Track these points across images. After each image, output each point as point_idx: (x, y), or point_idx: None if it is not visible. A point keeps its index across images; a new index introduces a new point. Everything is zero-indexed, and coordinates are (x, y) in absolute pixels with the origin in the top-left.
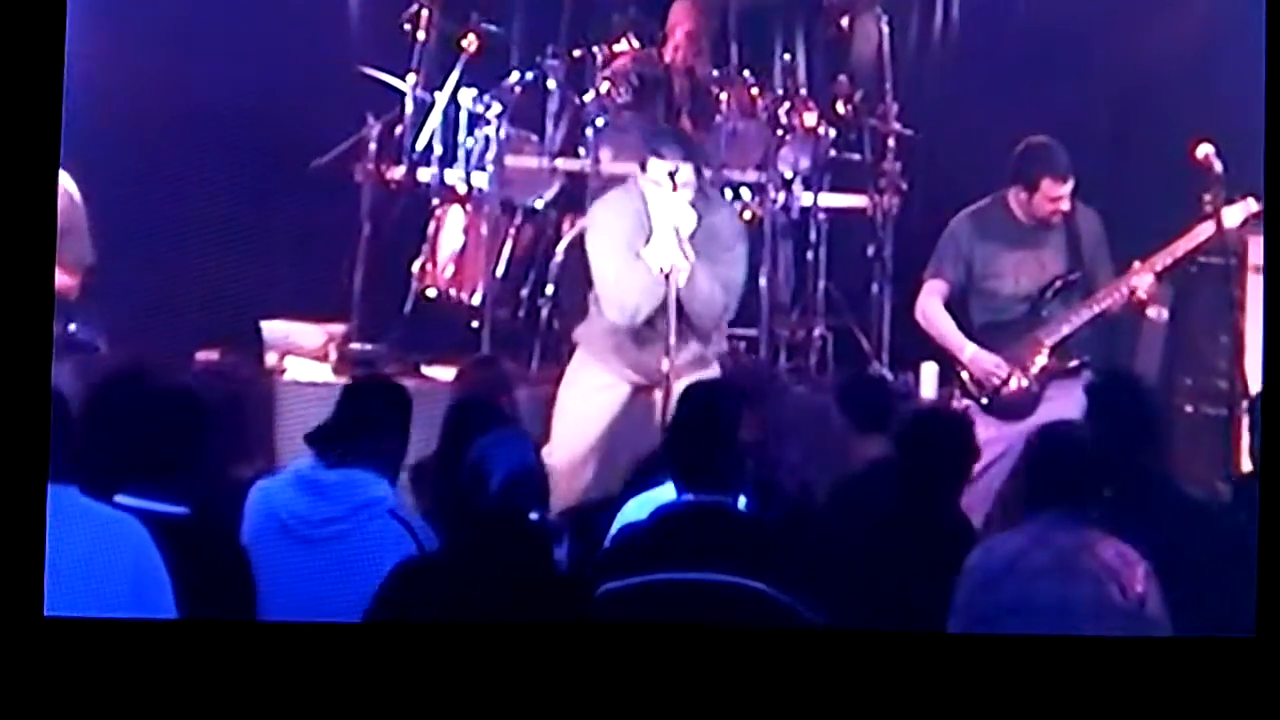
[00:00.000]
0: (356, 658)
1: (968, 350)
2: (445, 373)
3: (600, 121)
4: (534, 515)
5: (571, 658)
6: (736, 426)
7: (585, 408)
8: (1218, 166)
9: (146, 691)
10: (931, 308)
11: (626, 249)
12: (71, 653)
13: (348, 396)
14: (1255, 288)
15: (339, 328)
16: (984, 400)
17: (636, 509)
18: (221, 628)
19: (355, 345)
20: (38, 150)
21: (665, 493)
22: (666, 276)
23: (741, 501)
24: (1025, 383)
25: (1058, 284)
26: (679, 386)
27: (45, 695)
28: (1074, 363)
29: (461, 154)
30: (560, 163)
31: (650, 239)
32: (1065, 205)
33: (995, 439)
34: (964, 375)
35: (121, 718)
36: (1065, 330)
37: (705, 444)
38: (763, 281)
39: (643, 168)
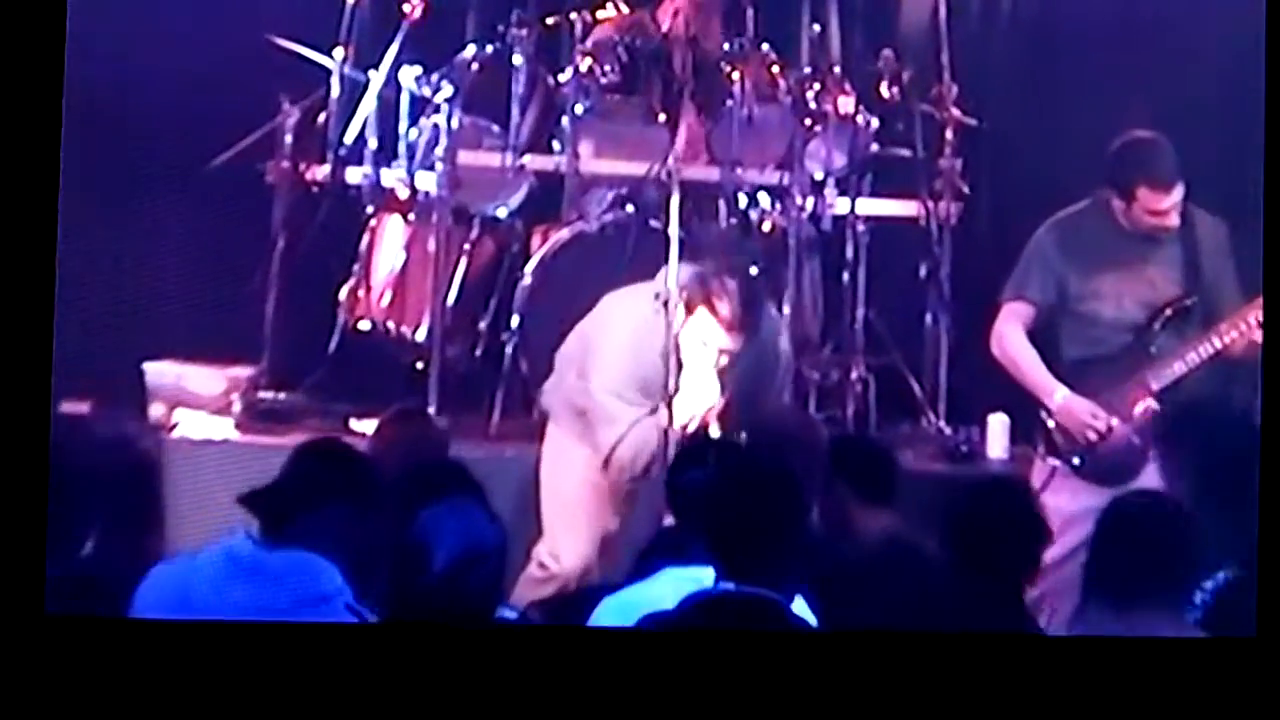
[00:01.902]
0: (358, 659)
1: (1058, 394)
2: None
3: (579, 108)
4: (508, 613)
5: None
6: (801, 505)
7: (580, 495)
8: None
9: (146, 691)
10: (1012, 337)
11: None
12: (71, 652)
13: (302, 458)
14: None
15: (244, 371)
16: (1075, 460)
17: (624, 603)
18: (222, 629)
19: (266, 394)
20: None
21: (662, 586)
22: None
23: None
24: (1134, 438)
25: (1170, 311)
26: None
27: (45, 695)
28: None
29: (403, 149)
30: (529, 160)
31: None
32: (1171, 221)
33: (1087, 511)
34: (1050, 426)
35: (121, 718)
36: (1179, 370)
37: (758, 525)
38: (786, 310)
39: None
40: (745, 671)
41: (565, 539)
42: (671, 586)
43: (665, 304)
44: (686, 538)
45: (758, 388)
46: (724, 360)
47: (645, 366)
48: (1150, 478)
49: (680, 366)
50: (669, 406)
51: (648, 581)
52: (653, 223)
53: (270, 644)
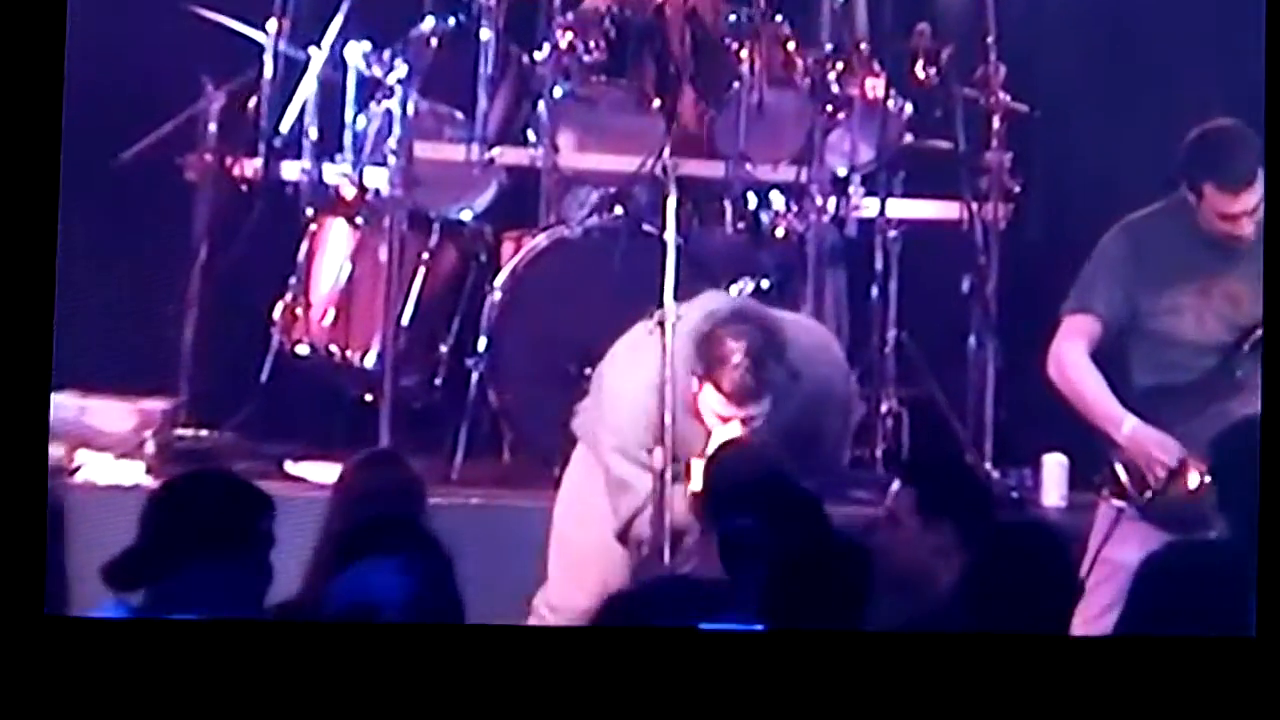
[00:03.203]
0: (359, 658)
1: (1126, 424)
2: (323, 472)
3: (559, 91)
4: None
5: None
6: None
7: (598, 549)
8: None
9: (147, 691)
10: (1074, 357)
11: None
12: (71, 652)
13: (167, 504)
14: None
15: (159, 404)
16: (1145, 500)
17: None
18: (222, 628)
19: (184, 431)
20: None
21: None
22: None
23: None
24: (1208, 478)
25: (1260, 331)
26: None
27: (45, 695)
28: None
29: (348, 140)
30: (498, 153)
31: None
32: (1243, 229)
33: None
34: (1118, 465)
35: (121, 718)
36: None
37: (817, 584)
38: None
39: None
40: (744, 671)
41: (569, 591)
42: None
43: (660, 325)
44: (735, 593)
45: (806, 445)
46: (749, 427)
47: (659, 422)
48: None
49: (674, 416)
50: (685, 466)
51: None
52: (646, 227)
53: (271, 643)
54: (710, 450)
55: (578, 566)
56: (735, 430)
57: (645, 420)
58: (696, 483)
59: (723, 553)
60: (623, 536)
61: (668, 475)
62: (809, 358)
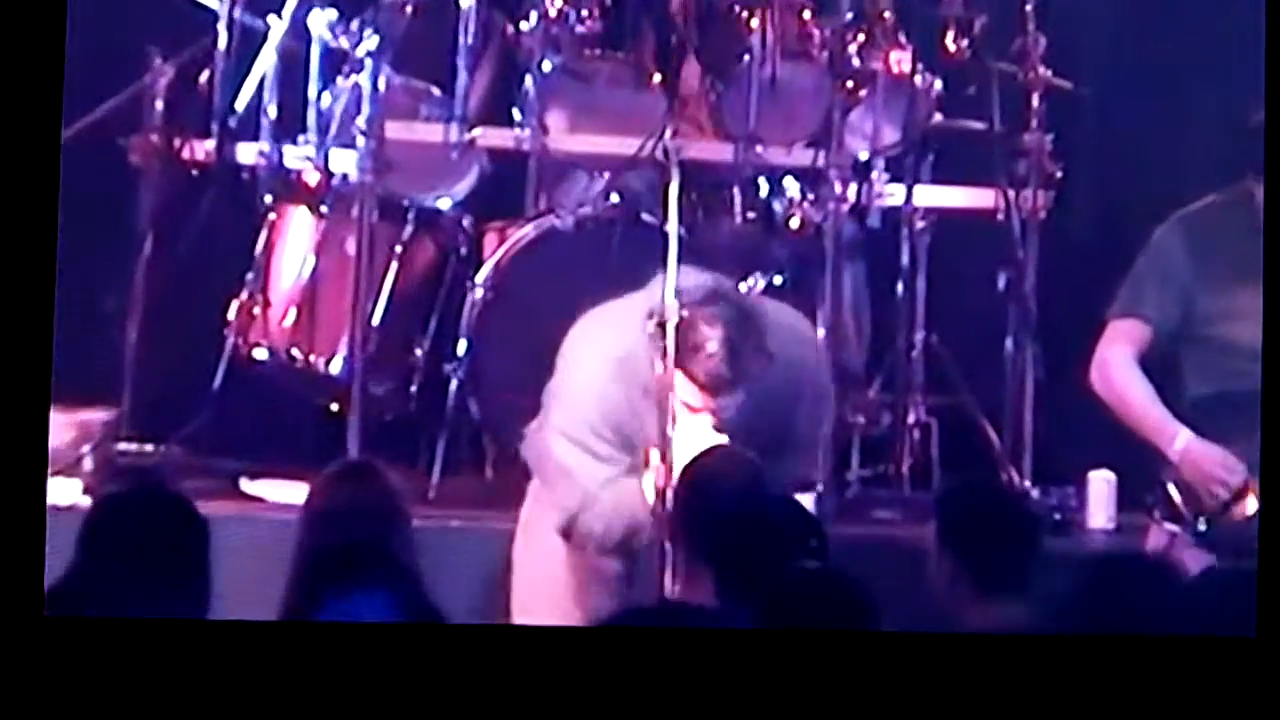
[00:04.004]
0: (359, 658)
1: (1179, 439)
2: (284, 491)
3: (548, 65)
4: None
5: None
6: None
7: (555, 574)
8: None
9: (147, 692)
10: (1120, 365)
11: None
12: (71, 653)
13: (96, 528)
14: None
15: (98, 415)
16: (1201, 525)
17: None
18: (224, 628)
19: (127, 445)
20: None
21: None
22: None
23: None
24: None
25: None
26: None
27: (45, 695)
28: None
29: (312, 119)
30: (480, 134)
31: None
32: None
33: None
34: (1171, 484)
35: (121, 718)
36: None
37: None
38: (821, 332)
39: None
40: (742, 670)
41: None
42: None
43: (661, 325)
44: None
45: (779, 442)
46: (720, 418)
47: (621, 409)
48: None
49: (673, 417)
50: (663, 462)
51: None
52: (645, 217)
53: (272, 643)
54: (689, 459)
55: (538, 604)
56: (704, 422)
57: (598, 401)
58: (656, 476)
59: (719, 580)
60: (566, 532)
61: (668, 493)
62: (782, 341)
